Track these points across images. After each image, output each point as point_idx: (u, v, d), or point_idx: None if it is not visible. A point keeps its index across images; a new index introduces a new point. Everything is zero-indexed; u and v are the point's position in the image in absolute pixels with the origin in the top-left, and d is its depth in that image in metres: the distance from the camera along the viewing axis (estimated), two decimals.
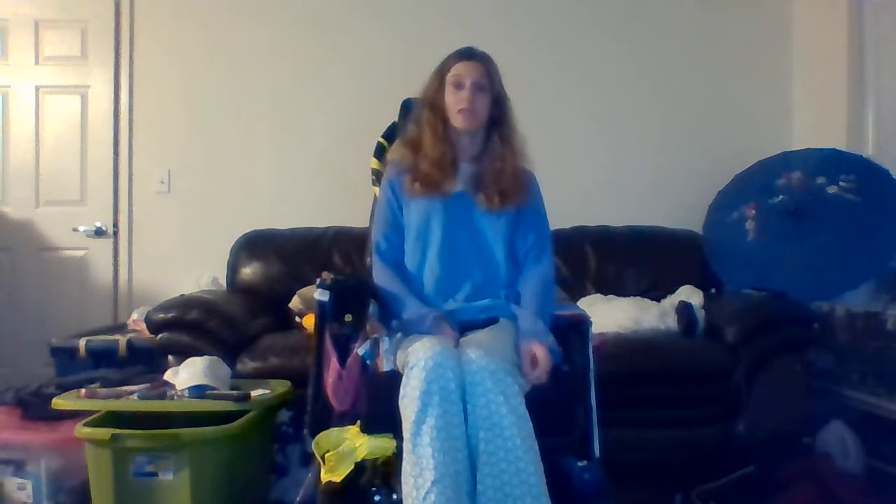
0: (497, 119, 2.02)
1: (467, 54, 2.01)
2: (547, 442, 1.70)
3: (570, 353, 1.96)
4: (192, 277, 3.41)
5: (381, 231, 2.07)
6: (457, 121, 1.99)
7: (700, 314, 2.84)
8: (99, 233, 3.65)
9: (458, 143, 2.03)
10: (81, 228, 3.65)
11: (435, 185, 1.99)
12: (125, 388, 2.35)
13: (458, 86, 1.97)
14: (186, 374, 2.31)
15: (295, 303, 3.06)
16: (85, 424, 2.18)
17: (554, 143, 3.44)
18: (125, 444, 2.13)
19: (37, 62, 3.68)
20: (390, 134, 2.53)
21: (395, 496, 1.72)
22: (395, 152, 2.15)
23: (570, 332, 1.97)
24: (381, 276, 2.02)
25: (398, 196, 2.05)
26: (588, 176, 3.64)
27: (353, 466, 1.73)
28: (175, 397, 2.27)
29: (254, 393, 2.30)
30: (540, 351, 1.81)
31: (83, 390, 2.32)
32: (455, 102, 1.97)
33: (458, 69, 1.98)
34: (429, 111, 2.02)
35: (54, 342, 2.98)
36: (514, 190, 2.00)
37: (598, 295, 3.15)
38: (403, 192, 2.04)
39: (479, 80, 1.97)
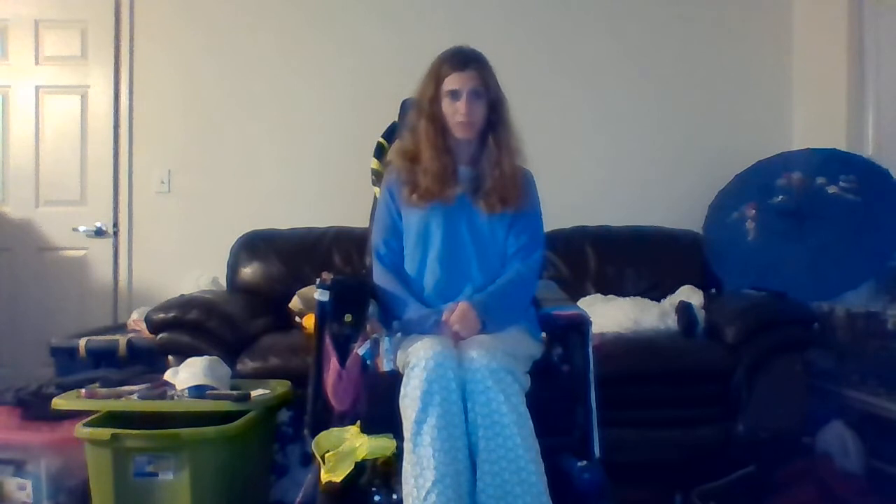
0: (494, 122, 2.01)
1: (461, 62, 1.97)
2: (547, 442, 1.70)
3: (570, 353, 1.96)
4: (192, 277, 3.40)
5: (381, 236, 2.07)
6: (456, 131, 1.98)
7: (700, 314, 2.83)
8: (99, 233, 3.65)
9: (457, 150, 2.03)
10: (81, 228, 3.65)
11: (436, 195, 1.99)
12: (125, 388, 2.35)
13: (455, 96, 1.95)
14: (186, 374, 2.31)
15: (295, 303, 3.06)
16: (85, 424, 2.18)
17: (554, 143, 3.44)
18: (125, 444, 2.13)
19: (37, 62, 3.68)
20: (390, 134, 2.53)
21: (395, 496, 1.72)
22: (393, 161, 2.12)
23: (570, 332, 1.97)
24: (381, 278, 2.02)
25: (397, 202, 2.05)
26: (588, 176, 3.64)
27: (353, 466, 1.73)
28: (175, 397, 2.27)
29: (254, 393, 2.31)
30: (463, 306, 1.85)
31: (83, 390, 2.32)
32: (452, 113, 1.96)
33: (454, 80, 1.95)
34: (427, 122, 1.99)
35: (54, 342, 2.98)
36: (513, 193, 1.99)
37: (598, 295, 3.15)
38: (402, 200, 2.03)
39: (475, 89, 1.95)
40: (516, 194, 2.00)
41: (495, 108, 2.00)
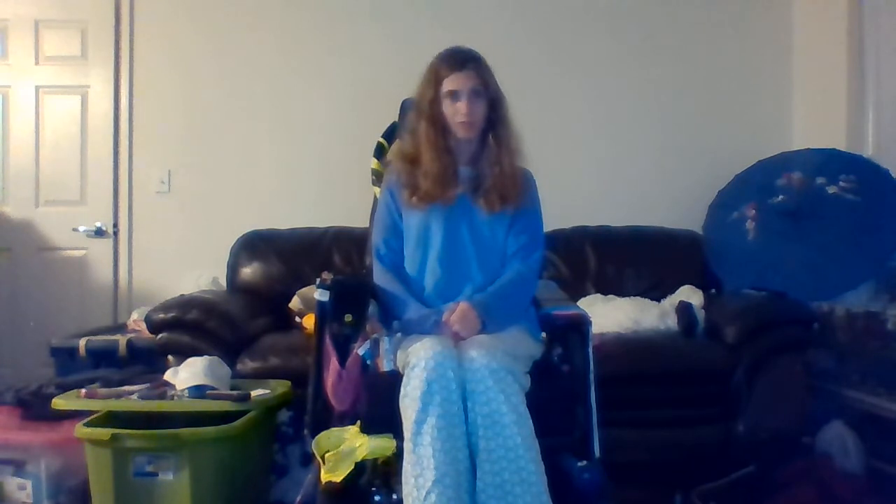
0: (493, 121, 2.01)
1: (459, 62, 1.96)
2: (547, 442, 1.70)
3: (570, 353, 1.96)
4: (192, 277, 3.40)
5: (381, 236, 2.07)
6: (458, 131, 1.97)
7: (700, 314, 2.84)
8: (99, 233, 3.65)
9: (458, 150, 2.03)
10: (81, 228, 3.65)
11: (436, 197, 1.98)
12: (125, 388, 2.35)
13: (455, 97, 1.95)
14: (186, 374, 2.31)
15: (295, 303, 3.06)
16: (85, 424, 2.18)
17: (554, 143, 3.45)
18: (125, 444, 2.13)
19: (37, 62, 3.68)
20: (390, 134, 2.53)
21: (395, 496, 1.72)
22: (393, 163, 2.12)
23: (570, 332, 1.97)
24: (381, 278, 2.02)
25: (397, 202, 2.05)
26: (588, 176, 3.64)
27: (353, 466, 1.73)
28: (175, 397, 2.27)
29: (254, 393, 2.31)
30: (464, 306, 1.86)
31: (83, 390, 2.32)
32: (453, 114, 1.96)
33: (453, 81, 1.95)
34: (427, 124, 1.99)
35: (54, 342, 2.98)
36: (513, 192, 1.99)
37: (598, 295, 3.15)
38: (402, 201, 2.03)
39: (474, 88, 1.95)
40: (516, 192, 1.99)
41: (495, 106, 2.00)
